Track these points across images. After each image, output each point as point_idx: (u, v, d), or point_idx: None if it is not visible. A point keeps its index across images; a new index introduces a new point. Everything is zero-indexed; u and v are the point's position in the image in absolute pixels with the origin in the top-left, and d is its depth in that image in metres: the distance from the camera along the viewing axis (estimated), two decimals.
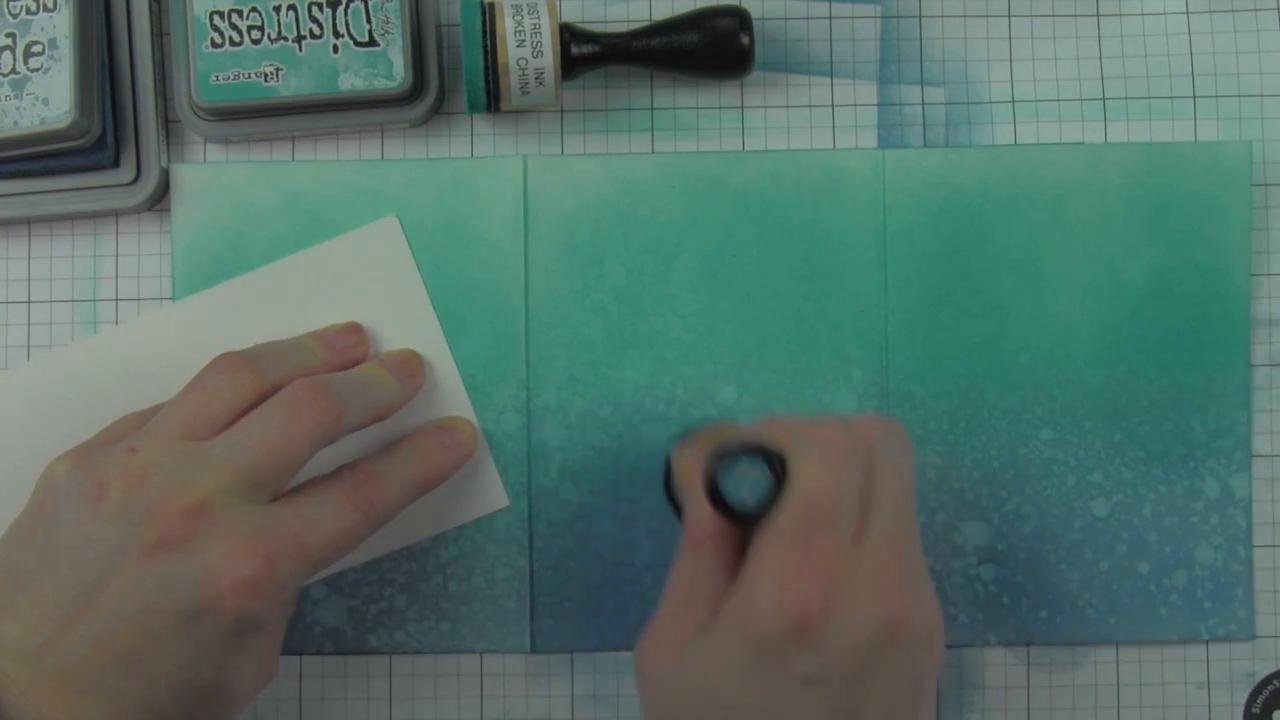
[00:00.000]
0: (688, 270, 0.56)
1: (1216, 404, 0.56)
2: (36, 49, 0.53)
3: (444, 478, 0.53)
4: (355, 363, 0.53)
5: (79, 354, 0.55)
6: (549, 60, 0.53)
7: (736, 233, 0.56)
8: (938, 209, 0.56)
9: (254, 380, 0.48)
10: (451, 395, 0.55)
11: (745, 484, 0.48)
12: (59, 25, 0.53)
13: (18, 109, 0.53)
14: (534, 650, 0.55)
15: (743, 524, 0.47)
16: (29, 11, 0.53)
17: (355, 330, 0.54)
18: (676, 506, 0.50)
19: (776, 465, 0.46)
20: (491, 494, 0.55)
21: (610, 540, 0.55)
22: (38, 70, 0.53)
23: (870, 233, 0.56)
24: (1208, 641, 0.56)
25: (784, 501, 0.45)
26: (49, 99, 0.53)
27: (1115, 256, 0.56)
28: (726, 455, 0.47)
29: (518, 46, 0.53)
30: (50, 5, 0.53)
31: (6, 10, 0.53)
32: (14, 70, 0.53)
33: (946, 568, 0.56)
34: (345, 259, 0.55)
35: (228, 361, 0.49)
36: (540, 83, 0.53)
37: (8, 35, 0.53)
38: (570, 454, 0.55)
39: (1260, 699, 0.56)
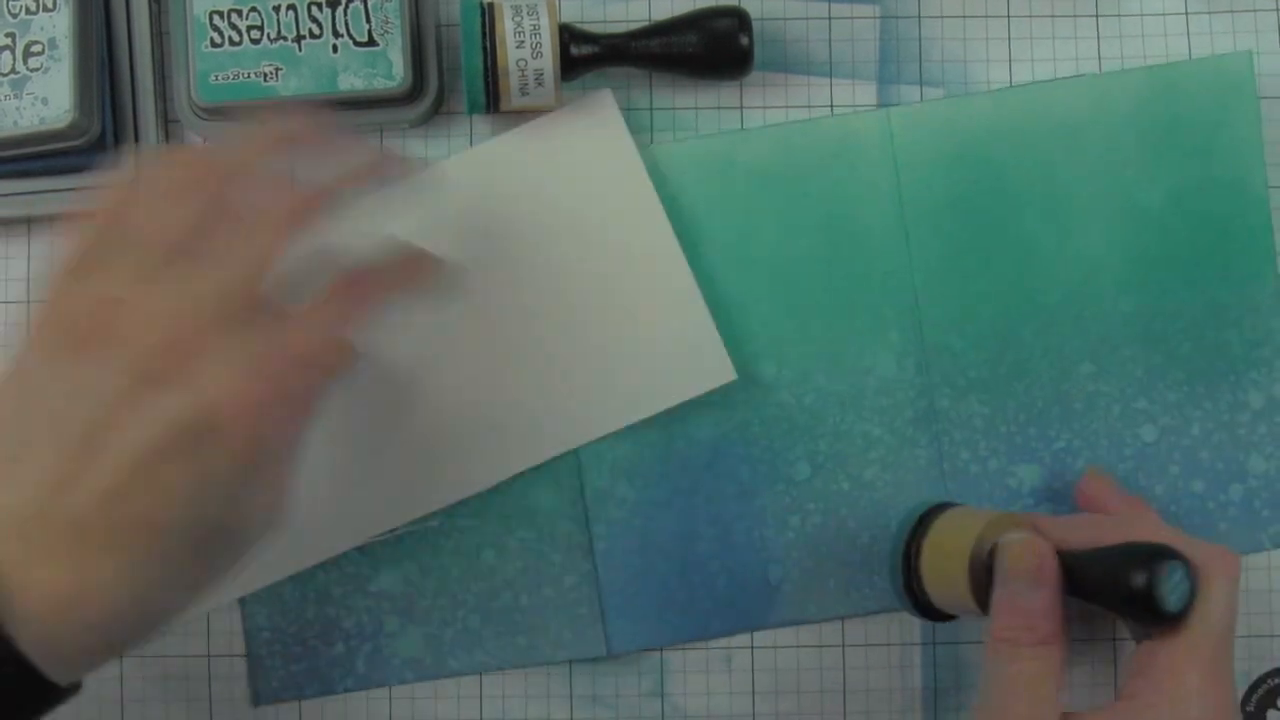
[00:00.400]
0: (711, 253, 0.56)
1: (1251, 315, 0.56)
2: (36, 49, 0.53)
3: (423, 288, 0.50)
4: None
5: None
6: (548, 61, 0.53)
7: (754, 209, 0.56)
8: (949, 159, 0.56)
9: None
10: (676, 277, 0.54)
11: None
12: (59, 25, 0.53)
13: (17, 109, 0.53)
14: (610, 653, 0.55)
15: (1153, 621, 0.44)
16: (29, 11, 0.53)
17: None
18: (919, 601, 0.50)
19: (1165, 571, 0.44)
20: (716, 366, 0.54)
21: (670, 532, 0.55)
22: (37, 70, 0.53)
23: (886, 191, 0.56)
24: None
25: (1206, 622, 0.44)
26: (48, 99, 0.53)
27: (1132, 182, 0.56)
28: (1156, 556, 0.44)
29: (517, 47, 0.53)
30: (50, 5, 0.53)
31: (6, 10, 0.53)
32: (14, 70, 0.53)
33: None
34: (557, 136, 0.55)
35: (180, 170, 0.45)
36: (539, 83, 0.53)
37: (7, 35, 0.53)
38: (619, 451, 0.55)
39: (1255, 697, 0.56)
